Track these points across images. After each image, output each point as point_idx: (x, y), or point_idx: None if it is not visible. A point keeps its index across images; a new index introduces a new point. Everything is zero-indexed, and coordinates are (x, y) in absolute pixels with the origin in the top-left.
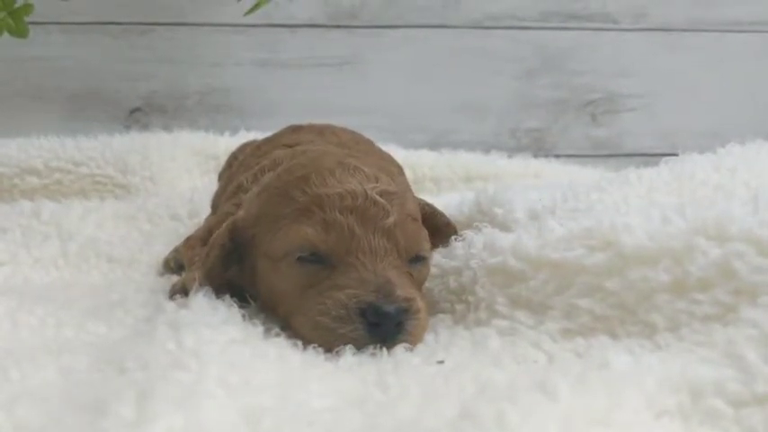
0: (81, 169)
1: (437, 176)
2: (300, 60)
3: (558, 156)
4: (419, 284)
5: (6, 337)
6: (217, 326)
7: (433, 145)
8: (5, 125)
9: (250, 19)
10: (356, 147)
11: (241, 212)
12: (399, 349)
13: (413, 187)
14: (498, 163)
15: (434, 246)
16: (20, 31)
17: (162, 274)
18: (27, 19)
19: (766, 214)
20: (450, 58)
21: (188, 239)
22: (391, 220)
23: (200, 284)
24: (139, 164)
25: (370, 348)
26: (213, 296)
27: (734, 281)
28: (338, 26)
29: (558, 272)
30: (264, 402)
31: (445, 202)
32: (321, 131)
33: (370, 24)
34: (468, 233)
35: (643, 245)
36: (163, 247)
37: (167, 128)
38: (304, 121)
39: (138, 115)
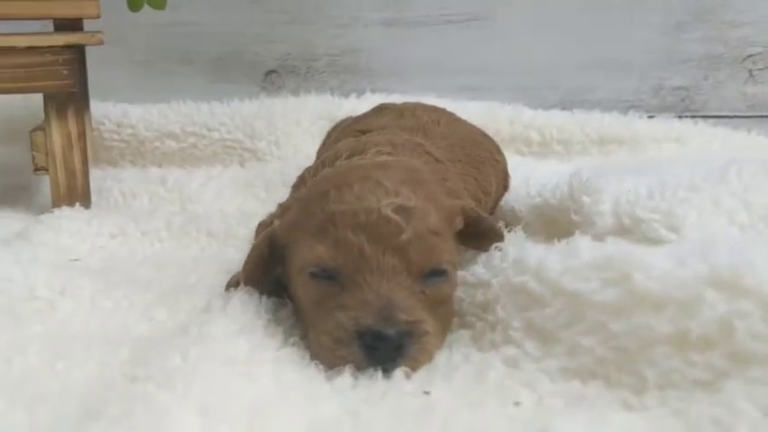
0: (213, 134)
1: (567, 139)
2: (427, 18)
3: (706, 117)
4: (438, 301)
5: (81, 321)
6: (229, 336)
7: (566, 104)
8: (158, 88)
9: None
10: (433, 129)
11: (277, 222)
12: (399, 373)
13: (542, 150)
14: (636, 125)
15: (480, 249)
16: (157, 4)
17: None
18: None
19: None
20: (586, 9)
21: (259, 224)
22: (404, 237)
23: (244, 283)
24: (265, 129)
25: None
26: (253, 295)
27: (731, 343)
28: None
29: (572, 303)
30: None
31: (543, 182)
32: (401, 113)
33: None
34: (504, 245)
35: (651, 288)
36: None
37: (299, 90)
38: (431, 80)
39: (274, 77)
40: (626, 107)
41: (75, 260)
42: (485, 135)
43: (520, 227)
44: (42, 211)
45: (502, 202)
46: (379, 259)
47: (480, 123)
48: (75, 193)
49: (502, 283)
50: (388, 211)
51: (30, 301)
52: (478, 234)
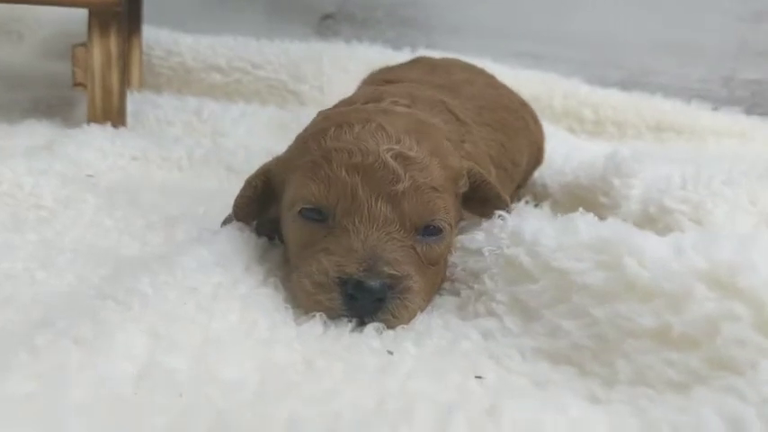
0: (258, 72)
1: (621, 121)
2: None
3: None
4: (429, 261)
5: (76, 235)
6: (203, 269)
7: (627, 85)
8: (215, 19)
9: None
10: (464, 88)
11: (276, 157)
12: (369, 329)
13: (595, 129)
14: (698, 116)
15: (484, 216)
16: None
17: None
18: None
19: None
20: None
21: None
22: (400, 186)
23: (236, 219)
24: (312, 73)
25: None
26: (244, 232)
27: (712, 348)
28: None
29: (560, 282)
30: (173, 364)
31: (588, 157)
32: (434, 68)
33: None
34: (505, 215)
35: (641, 276)
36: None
37: (354, 38)
38: (490, 43)
39: (330, 22)
40: (690, 95)
41: (90, 176)
42: (523, 103)
43: (547, 203)
44: (76, 126)
45: (535, 175)
46: (371, 205)
47: (533, 94)
48: (111, 113)
49: (494, 253)
50: (387, 156)
51: (34, 209)
52: (484, 200)
